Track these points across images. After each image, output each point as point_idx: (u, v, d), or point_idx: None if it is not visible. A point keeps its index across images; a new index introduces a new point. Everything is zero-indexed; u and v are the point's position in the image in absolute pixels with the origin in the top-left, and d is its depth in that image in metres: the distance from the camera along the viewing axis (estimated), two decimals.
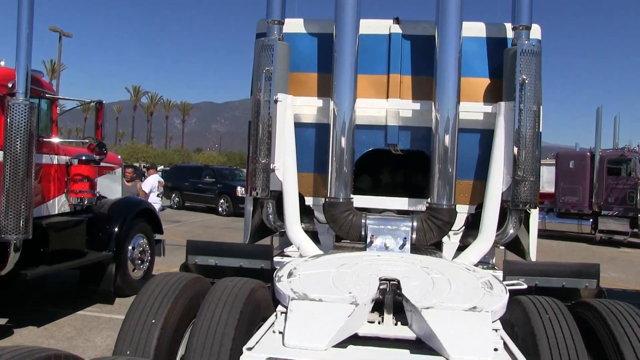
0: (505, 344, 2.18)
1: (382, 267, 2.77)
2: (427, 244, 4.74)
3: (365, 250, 4.30)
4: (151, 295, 3.12)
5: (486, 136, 5.19)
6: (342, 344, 2.11)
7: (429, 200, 4.96)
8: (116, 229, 8.12)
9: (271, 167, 4.82)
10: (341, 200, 4.80)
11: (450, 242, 5.17)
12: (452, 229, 5.00)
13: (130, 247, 8.51)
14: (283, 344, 2.06)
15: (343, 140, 4.83)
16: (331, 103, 4.91)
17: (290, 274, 2.64)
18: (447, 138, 4.84)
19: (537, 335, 2.75)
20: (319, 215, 5.28)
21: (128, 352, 2.76)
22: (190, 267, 3.95)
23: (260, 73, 4.77)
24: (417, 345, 2.20)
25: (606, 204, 19.90)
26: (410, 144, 5.30)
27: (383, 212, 5.11)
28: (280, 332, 2.22)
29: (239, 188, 23.10)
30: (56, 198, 7.46)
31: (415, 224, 4.71)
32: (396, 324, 2.40)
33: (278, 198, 5.12)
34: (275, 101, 4.83)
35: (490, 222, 4.86)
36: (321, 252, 4.59)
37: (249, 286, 3.21)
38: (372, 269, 2.71)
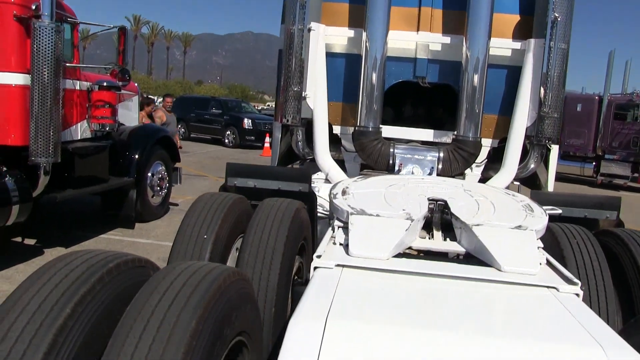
0: (547, 260, 2.36)
1: (429, 189, 2.93)
2: (451, 174, 4.91)
3: None
4: (201, 212, 3.28)
5: (513, 72, 5.26)
6: (398, 256, 2.29)
7: (454, 132, 5.09)
8: (137, 156, 8.25)
9: (303, 95, 4.90)
10: (370, 129, 4.93)
11: (473, 174, 5.34)
12: (475, 161, 5.17)
13: (149, 174, 8.68)
14: (348, 254, 2.24)
15: (374, 71, 4.90)
16: (363, 34, 4.94)
17: (344, 192, 2.80)
18: (476, 74, 4.92)
19: (566, 257, 2.95)
20: (346, 143, 5.42)
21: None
22: (229, 189, 4.11)
23: (295, 1, 4.76)
24: (466, 258, 2.39)
25: (610, 148, 20.07)
26: (439, 77, 5.37)
27: (409, 143, 5.25)
28: (341, 244, 2.39)
29: (245, 120, 23.11)
30: (78, 124, 7.54)
31: (441, 154, 4.88)
32: (444, 240, 2.59)
33: (307, 126, 5.24)
34: (309, 30, 4.85)
35: (514, 156, 5.02)
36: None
37: (294, 206, 3.37)
38: (419, 190, 2.87)
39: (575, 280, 2.13)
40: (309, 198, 3.90)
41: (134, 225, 8.36)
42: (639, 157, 19.42)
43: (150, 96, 13.97)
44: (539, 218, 2.61)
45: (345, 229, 2.49)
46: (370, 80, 4.91)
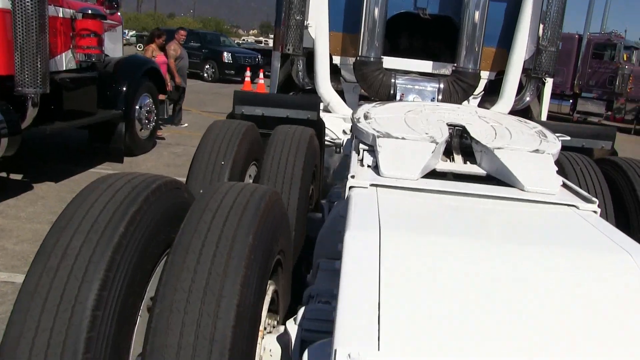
0: (564, 182, 2.48)
1: (445, 115, 2.98)
2: None
3: None
4: (216, 138, 3.29)
5: (513, 5, 5.25)
6: (425, 177, 2.38)
7: (454, 64, 5.11)
8: (124, 88, 8.04)
9: (305, 24, 4.82)
10: (372, 59, 4.91)
11: (469, 105, 5.42)
12: (473, 93, 5.23)
13: (137, 107, 8.51)
14: (379, 174, 2.31)
15: (377, 1, 4.83)
16: None
17: (366, 117, 2.83)
18: (477, 7, 4.90)
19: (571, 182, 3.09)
20: (346, 74, 5.40)
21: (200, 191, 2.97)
22: (237, 117, 4.10)
23: None
24: (487, 180, 2.49)
25: (587, 87, 20.40)
26: (439, 9, 5.32)
27: (408, 74, 5.26)
28: (369, 166, 2.45)
29: (225, 54, 22.53)
30: (63, 54, 7.26)
31: (441, 85, 4.92)
32: (464, 163, 2.68)
33: (307, 56, 5.19)
34: None
35: (511, 88, 5.09)
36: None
37: (308, 133, 3.40)
38: (437, 116, 2.93)
39: (593, 199, 2.26)
40: (318, 126, 3.93)
41: (122, 159, 8.26)
42: (613, 95, 19.83)
43: (160, 28, 13.21)
44: (553, 143, 2.71)
45: (371, 151, 2.55)
46: (373, 11, 4.84)
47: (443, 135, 2.62)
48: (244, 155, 3.36)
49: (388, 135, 2.54)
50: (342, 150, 4.44)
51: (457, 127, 2.82)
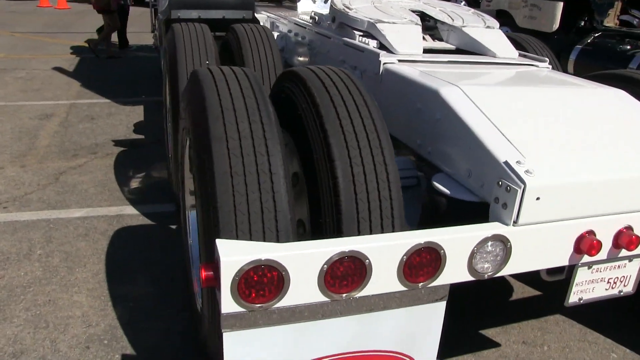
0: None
1: (402, 4, 3.40)
2: None
3: None
4: (191, 41, 3.25)
5: None
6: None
7: None
8: None
9: None
10: None
11: None
12: None
13: None
14: (392, 52, 2.70)
15: None
16: None
17: (348, 7, 3.10)
18: None
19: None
20: None
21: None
22: (174, 21, 3.94)
23: None
24: (457, 52, 3.05)
25: None
26: None
27: None
28: (374, 47, 2.81)
29: None
30: None
31: None
32: (434, 41, 3.19)
33: None
34: None
35: None
36: None
37: (265, 29, 3.58)
38: (396, 4, 3.33)
39: (544, 58, 2.99)
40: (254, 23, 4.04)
41: None
42: None
43: None
44: (493, 21, 3.36)
45: (369, 36, 2.91)
46: None
47: (416, 19, 3.08)
48: (217, 54, 3.40)
49: (380, 21, 2.90)
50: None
51: (416, 12, 3.29)
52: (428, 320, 1.80)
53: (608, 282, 2.10)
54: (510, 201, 1.76)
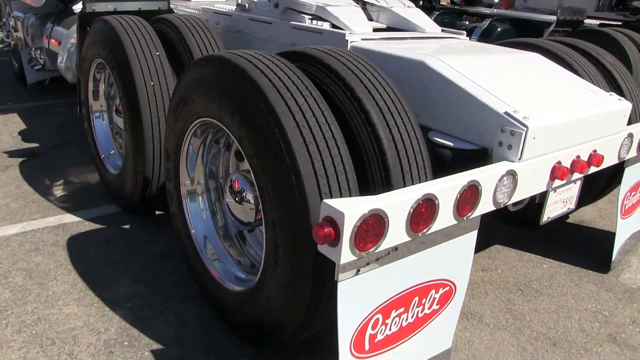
0: None
1: None
2: None
3: None
4: (136, 35, 3.14)
5: None
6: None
7: None
8: None
9: None
10: None
11: None
12: None
13: None
14: (350, 32, 2.98)
15: None
16: None
17: None
18: None
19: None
20: None
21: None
22: (90, 15, 3.65)
23: None
24: (387, 30, 3.41)
25: None
26: None
27: None
28: (330, 27, 3.06)
29: None
30: None
31: None
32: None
33: None
34: None
35: None
36: None
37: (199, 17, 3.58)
38: None
39: (462, 31, 3.50)
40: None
41: None
42: None
43: None
44: (409, 2, 3.78)
45: (318, 18, 3.13)
46: None
47: (353, 2, 3.39)
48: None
49: (328, 5, 3.15)
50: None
51: None
52: (465, 248, 2.15)
53: (563, 201, 2.67)
54: (515, 143, 2.18)
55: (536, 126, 2.18)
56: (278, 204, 1.88)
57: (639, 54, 5.26)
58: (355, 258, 1.69)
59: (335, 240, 1.64)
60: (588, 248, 3.60)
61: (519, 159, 2.19)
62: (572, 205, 2.75)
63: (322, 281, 1.91)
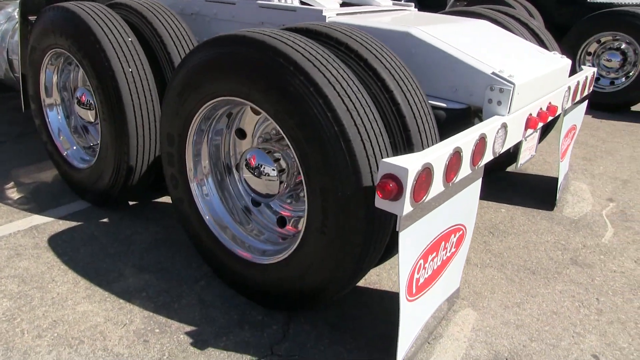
0: None
1: None
2: None
3: None
4: (103, 20, 2.99)
5: None
6: None
7: None
8: None
9: None
10: None
11: None
12: None
13: None
14: (324, 11, 3.08)
15: None
16: None
17: None
18: None
19: None
20: None
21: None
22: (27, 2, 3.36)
23: None
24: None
25: None
26: None
27: None
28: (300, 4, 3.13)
29: None
30: None
31: None
32: None
33: None
34: None
35: None
36: None
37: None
38: None
39: (410, 3, 3.74)
40: None
41: None
42: None
43: None
44: None
45: None
46: None
47: None
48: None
49: None
50: None
51: None
52: (473, 195, 2.42)
53: (529, 149, 3.04)
54: (504, 99, 2.46)
55: (520, 82, 2.48)
56: (327, 171, 2.00)
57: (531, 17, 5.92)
58: (412, 209, 1.87)
59: (398, 194, 1.81)
60: (531, 191, 4.08)
61: (508, 112, 2.48)
62: (534, 152, 3.14)
63: (371, 237, 2.07)
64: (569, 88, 3.23)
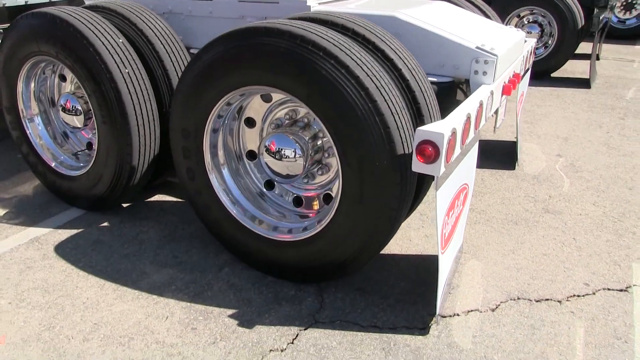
0: None
1: None
2: None
3: None
4: (96, 24, 2.96)
5: None
6: None
7: None
8: None
9: None
10: None
11: None
12: None
13: None
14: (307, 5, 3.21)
15: None
16: None
17: None
18: None
19: None
20: None
21: None
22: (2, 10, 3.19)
23: None
24: None
25: None
26: None
27: None
28: None
29: None
30: None
31: None
32: None
33: None
34: None
35: None
36: None
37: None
38: None
39: None
40: None
41: None
42: None
43: None
44: None
45: None
46: None
47: None
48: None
49: None
50: None
51: None
52: (473, 156, 2.71)
53: (502, 113, 3.39)
54: (489, 69, 2.75)
55: (500, 54, 2.79)
56: (363, 143, 2.18)
57: None
58: (445, 170, 2.10)
59: (435, 157, 2.03)
60: (491, 155, 4.49)
61: (493, 81, 2.78)
62: (504, 116, 3.50)
63: (404, 199, 2.29)
64: (524, 57, 3.61)
